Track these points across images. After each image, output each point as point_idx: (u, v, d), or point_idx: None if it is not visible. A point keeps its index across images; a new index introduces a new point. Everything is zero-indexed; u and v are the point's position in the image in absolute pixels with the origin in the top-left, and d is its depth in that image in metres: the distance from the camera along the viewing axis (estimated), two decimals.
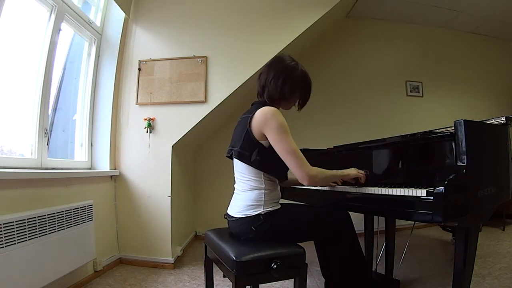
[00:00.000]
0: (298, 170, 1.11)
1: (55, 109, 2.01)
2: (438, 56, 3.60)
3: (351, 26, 3.34)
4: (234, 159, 1.24)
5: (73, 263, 1.59)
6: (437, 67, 3.58)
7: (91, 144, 2.20)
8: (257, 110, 1.15)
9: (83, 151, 2.14)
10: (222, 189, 2.85)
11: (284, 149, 1.10)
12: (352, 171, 1.29)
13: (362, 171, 1.30)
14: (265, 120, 1.11)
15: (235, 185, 1.28)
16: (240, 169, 1.21)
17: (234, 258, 0.97)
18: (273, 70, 1.23)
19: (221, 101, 2.19)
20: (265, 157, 1.14)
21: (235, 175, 1.27)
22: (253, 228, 1.13)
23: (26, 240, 1.28)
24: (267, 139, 1.13)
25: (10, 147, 1.69)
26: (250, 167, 1.16)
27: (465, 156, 0.97)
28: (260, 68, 1.29)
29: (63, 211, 1.52)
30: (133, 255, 2.19)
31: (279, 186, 1.26)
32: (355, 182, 1.31)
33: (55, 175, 1.65)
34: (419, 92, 3.49)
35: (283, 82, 1.20)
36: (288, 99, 1.25)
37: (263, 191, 1.16)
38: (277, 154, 1.12)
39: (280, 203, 1.24)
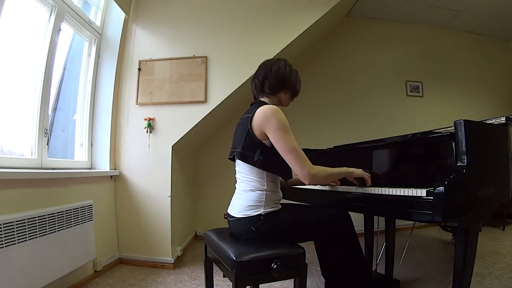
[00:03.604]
0: (299, 169, 1.10)
1: (55, 109, 2.01)
2: (438, 56, 3.60)
3: (351, 26, 3.34)
4: (237, 160, 1.24)
5: (73, 263, 1.59)
6: (437, 67, 3.58)
7: (91, 144, 2.19)
8: (257, 109, 1.15)
9: (83, 151, 2.14)
10: (222, 189, 2.86)
11: (284, 147, 1.10)
12: (358, 170, 1.28)
13: (369, 174, 1.28)
14: (265, 118, 1.11)
15: (236, 185, 1.27)
16: (243, 169, 1.21)
17: (234, 258, 0.97)
18: (269, 64, 1.29)
19: (221, 101, 2.19)
20: (268, 157, 1.13)
21: (236, 175, 1.27)
22: (253, 228, 1.13)
23: (26, 240, 1.28)
24: (269, 139, 1.13)
25: (10, 147, 1.69)
26: (253, 167, 1.15)
27: (465, 156, 0.97)
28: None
29: (63, 211, 1.52)
30: (133, 255, 2.19)
31: (280, 187, 1.26)
32: (359, 183, 1.30)
33: (55, 175, 1.65)
34: (419, 92, 3.49)
35: (284, 67, 1.27)
36: (289, 84, 1.28)
37: (264, 192, 1.16)
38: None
39: (280, 203, 1.24)
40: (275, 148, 1.12)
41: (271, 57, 2.14)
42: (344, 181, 1.39)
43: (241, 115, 1.27)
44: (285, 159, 1.11)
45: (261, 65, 1.33)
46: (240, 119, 1.26)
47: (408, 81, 3.46)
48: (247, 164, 1.17)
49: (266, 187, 1.16)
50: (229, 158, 1.29)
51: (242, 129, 1.20)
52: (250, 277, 0.99)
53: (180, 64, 2.25)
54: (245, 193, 1.19)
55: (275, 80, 1.25)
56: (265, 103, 1.21)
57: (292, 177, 1.29)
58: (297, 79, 1.32)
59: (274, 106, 1.16)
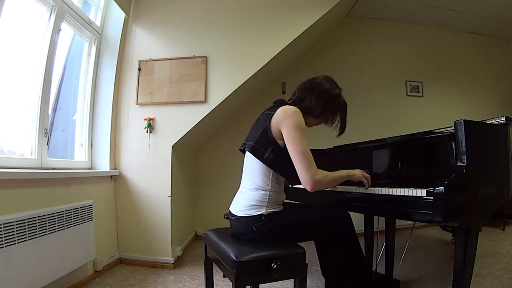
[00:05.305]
0: (304, 173, 1.09)
1: (55, 109, 2.01)
2: (438, 56, 3.60)
3: (351, 26, 3.34)
4: (247, 154, 1.24)
5: (73, 263, 1.59)
6: (437, 67, 3.58)
7: (91, 144, 2.19)
8: (279, 108, 1.16)
9: (83, 151, 2.14)
10: (222, 189, 2.86)
11: (295, 147, 1.10)
12: (357, 173, 1.25)
13: (368, 176, 1.26)
14: (284, 116, 1.13)
15: (241, 181, 1.28)
16: (251, 165, 1.21)
17: (234, 258, 0.97)
18: (318, 88, 1.30)
19: (221, 101, 2.18)
20: (278, 157, 1.14)
21: (243, 171, 1.27)
22: (254, 228, 1.14)
23: (26, 240, 1.28)
24: (283, 139, 1.13)
25: (10, 147, 1.69)
26: (261, 165, 1.16)
27: (465, 156, 0.97)
28: (304, 82, 1.34)
29: (63, 211, 1.52)
30: (133, 255, 2.19)
31: (283, 188, 1.26)
32: (359, 183, 1.29)
33: (55, 175, 1.65)
34: (419, 92, 3.49)
35: (326, 102, 1.30)
36: (325, 117, 1.32)
37: (268, 192, 1.16)
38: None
39: (282, 204, 1.24)
40: (287, 150, 1.12)
41: (270, 57, 2.18)
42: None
43: (264, 110, 1.27)
44: (292, 160, 1.11)
45: (318, 81, 1.34)
46: (261, 115, 1.27)
47: (408, 81, 3.46)
48: (255, 160, 1.17)
49: (270, 187, 1.17)
50: (239, 149, 1.29)
51: (260, 124, 1.21)
52: (250, 277, 0.99)
53: (180, 64, 2.24)
54: (249, 192, 1.19)
55: (311, 107, 1.27)
56: (287, 103, 1.23)
57: (298, 182, 1.27)
58: (341, 118, 1.39)
59: (295, 108, 1.17)
